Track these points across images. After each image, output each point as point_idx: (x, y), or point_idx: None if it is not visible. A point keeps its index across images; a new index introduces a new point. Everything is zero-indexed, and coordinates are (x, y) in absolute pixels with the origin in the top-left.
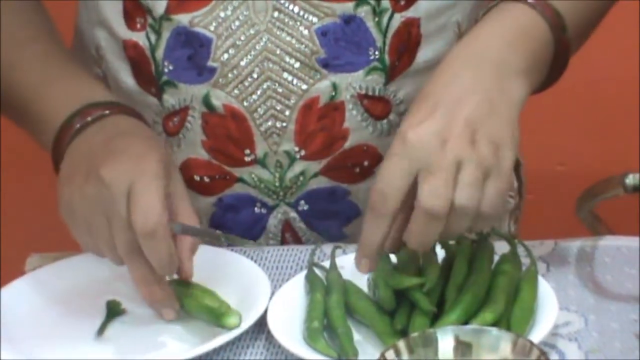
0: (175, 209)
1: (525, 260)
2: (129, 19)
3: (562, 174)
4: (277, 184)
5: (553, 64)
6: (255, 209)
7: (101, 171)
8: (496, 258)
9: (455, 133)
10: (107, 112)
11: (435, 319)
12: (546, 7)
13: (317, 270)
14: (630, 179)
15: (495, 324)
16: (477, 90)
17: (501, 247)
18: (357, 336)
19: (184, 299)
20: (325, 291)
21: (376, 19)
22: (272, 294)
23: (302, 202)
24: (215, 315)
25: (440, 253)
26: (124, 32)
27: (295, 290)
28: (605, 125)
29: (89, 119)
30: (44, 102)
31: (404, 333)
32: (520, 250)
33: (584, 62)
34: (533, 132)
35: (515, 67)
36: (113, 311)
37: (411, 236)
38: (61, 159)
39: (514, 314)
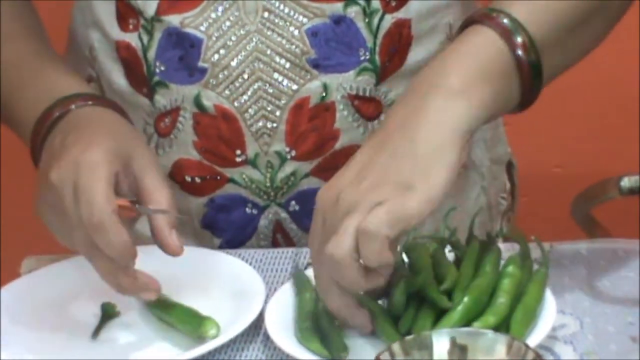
0: (142, 186)
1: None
2: (122, 20)
3: (558, 176)
4: (268, 184)
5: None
6: (247, 209)
7: (50, 175)
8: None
9: (346, 183)
10: (72, 106)
11: (437, 321)
12: (512, 38)
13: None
14: (626, 182)
15: (497, 327)
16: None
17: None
18: (351, 338)
19: (160, 315)
20: (314, 291)
21: (367, 20)
22: (267, 295)
23: (293, 202)
24: (193, 326)
25: (450, 255)
26: (117, 33)
27: (292, 291)
28: (602, 127)
29: (57, 114)
30: (21, 103)
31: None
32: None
33: (581, 64)
34: (530, 134)
35: (449, 88)
36: (108, 314)
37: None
38: (38, 157)
39: (515, 317)
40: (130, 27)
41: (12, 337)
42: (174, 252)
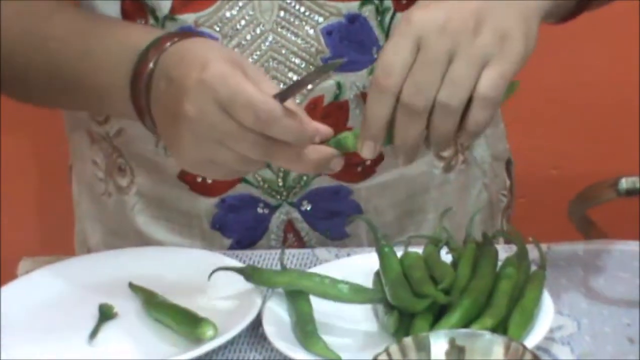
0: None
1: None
2: (128, 20)
3: (555, 178)
4: (280, 183)
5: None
6: (258, 209)
7: (184, 110)
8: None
9: (457, 19)
10: (167, 45)
11: (435, 322)
12: None
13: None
14: (623, 183)
15: (494, 328)
16: None
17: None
18: (347, 340)
19: (157, 317)
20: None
21: (379, 18)
22: (265, 297)
23: (305, 201)
24: (191, 327)
25: (447, 257)
26: None
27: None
28: (599, 129)
29: (153, 59)
30: (101, 64)
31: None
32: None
33: (577, 65)
34: (527, 135)
35: None
36: (105, 315)
37: (395, 130)
38: (141, 101)
39: (513, 318)
40: None
41: (9, 338)
42: (326, 134)
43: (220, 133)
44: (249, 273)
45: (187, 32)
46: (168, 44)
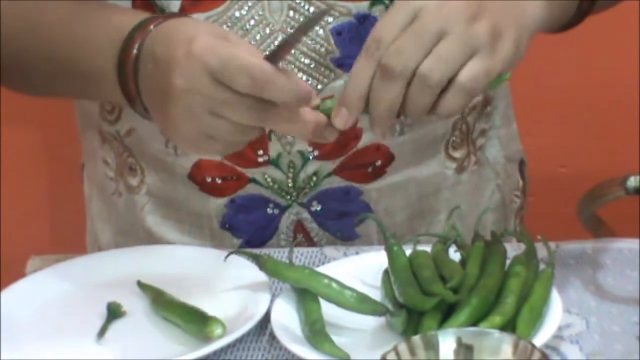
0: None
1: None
2: None
3: (564, 176)
4: (290, 184)
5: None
6: (268, 209)
7: (174, 84)
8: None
9: (457, 4)
10: (151, 27)
11: (443, 321)
12: None
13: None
14: (632, 181)
15: (503, 326)
16: None
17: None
18: (355, 338)
19: (165, 315)
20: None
21: None
22: (273, 296)
23: (315, 202)
24: (199, 326)
25: (456, 256)
26: None
27: (296, 291)
28: (608, 127)
29: (139, 40)
30: (88, 49)
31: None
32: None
33: (585, 63)
34: (535, 134)
35: None
36: (114, 313)
37: (370, 94)
38: (130, 85)
39: (521, 316)
40: None
41: (17, 336)
42: (308, 95)
43: (213, 103)
44: (263, 261)
45: (173, 13)
46: (152, 25)
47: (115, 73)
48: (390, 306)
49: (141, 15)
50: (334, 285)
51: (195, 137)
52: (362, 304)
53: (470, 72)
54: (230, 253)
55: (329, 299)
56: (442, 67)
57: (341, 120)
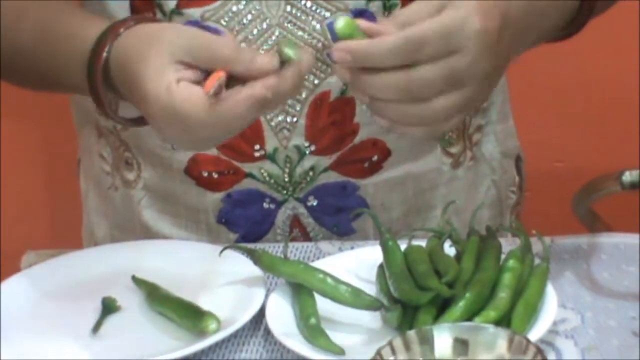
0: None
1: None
2: (137, 15)
3: (560, 171)
4: (286, 179)
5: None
6: (264, 204)
7: (151, 114)
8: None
9: (488, 66)
10: (121, 30)
11: (438, 316)
12: None
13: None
14: (627, 176)
15: (498, 321)
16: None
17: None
18: (350, 333)
19: (160, 310)
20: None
21: (386, 14)
22: (268, 290)
23: (312, 197)
24: (194, 321)
25: (451, 251)
26: None
27: (291, 286)
28: (603, 122)
29: (109, 44)
30: (65, 51)
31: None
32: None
33: (582, 59)
34: (531, 129)
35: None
36: (108, 308)
37: (380, 91)
38: (99, 91)
39: (516, 311)
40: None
41: (12, 331)
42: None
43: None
44: (258, 255)
45: (145, 17)
46: (122, 29)
47: (86, 80)
48: (385, 301)
49: (103, 23)
50: (329, 280)
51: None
52: (357, 298)
53: (452, 124)
54: (225, 248)
55: (324, 294)
56: (449, 114)
57: (340, 55)
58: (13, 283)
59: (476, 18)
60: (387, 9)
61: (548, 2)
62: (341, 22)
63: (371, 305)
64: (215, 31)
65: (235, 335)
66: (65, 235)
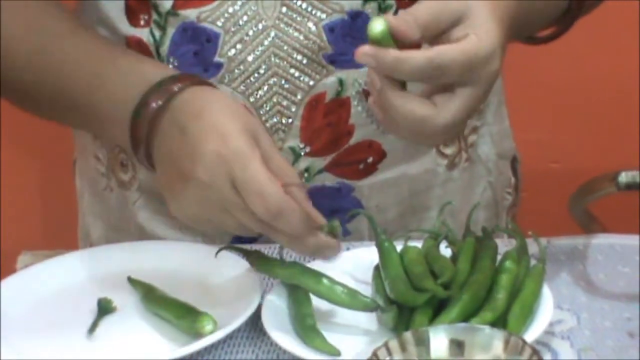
0: (273, 163)
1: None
2: (132, 16)
3: (556, 172)
4: None
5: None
6: None
7: (196, 173)
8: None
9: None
10: (175, 88)
11: (434, 317)
12: None
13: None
14: (623, 177)
15: (494, 322)
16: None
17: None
18: (346, 334)
19: (156, 311)
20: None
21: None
22: (264, 291)
23: None
24: (190, 322)
25: (447, 252)
26: (127, 29)
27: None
28: (600, 123)
29: (160, 101)
30: (104, 95)
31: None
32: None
33: (578, 59)
34: (527, 129)
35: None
36: (104, 309)
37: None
38: (141, 142)
39: (512, 312)
40: (142, 22)
41: (8, 332)
42: (319, 221)
43: (228, 204)
44: (254, 258)
45: (195, 77)
46: (179, 85)
47: (131, 114)
48: (381, 302)
49: (161, 69)
50: (325, 281)
51: (197, 219)
52: (353, 299)
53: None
54: (222, 249)
55: (320, 295)
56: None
57: (366, 59)
58: (9, 284)
59: (497, 59)
60: (383, 10)
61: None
62: (378, 28)
63: (367, 306)
64: (212, 33)
65: (231, 336)
66: (61, 236)
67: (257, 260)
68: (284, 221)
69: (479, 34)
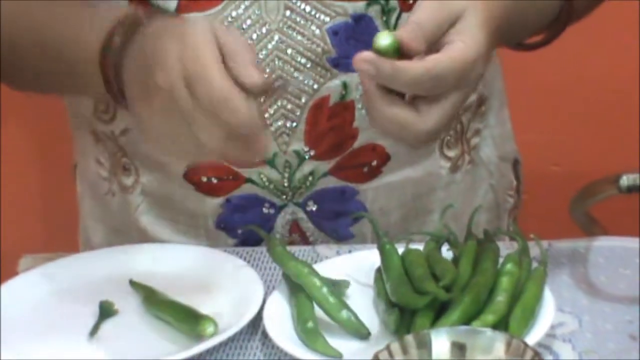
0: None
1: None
2: None
3: (556, 175)
4: (285, 184)
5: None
6: (264, 209)
7: (158, 81)
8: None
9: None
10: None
11: (436, 320)
12: None
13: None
14: (625, 180)
15: (495, 325)
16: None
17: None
18: (348, 337)
19: (157, 314)
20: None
21: (384, 18)
22: (266, 294)
23: (311, 202)
24: (191, 325)
25: (448, 254)
26: None
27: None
28: (601, 125)
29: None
30: (65, 32)
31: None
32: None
33: (579, 62)
34: (528, 132)
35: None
36: (106, 312)
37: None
38: (109, 70)
39: (514, 315)
40: None
41: (9, 335)
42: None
43: (183, 109)
44: (273, 244)
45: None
46: (146, 14)
47: (99, 51)
48: (383, 304)
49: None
50: (325, 290)
51: (162, 136)
52: (347, 321)
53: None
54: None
55: (316, 302)
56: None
57: (364, 66)
58: (10, 287)
59: (481, 64)
60: (386, 13)
61: (530, 3)
62: (384, 42)
63: (357, 332)
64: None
65: (232, 338)
66: (62, 239)
67: (275, 248)
68: (230, 110)
69: (466, 41)
